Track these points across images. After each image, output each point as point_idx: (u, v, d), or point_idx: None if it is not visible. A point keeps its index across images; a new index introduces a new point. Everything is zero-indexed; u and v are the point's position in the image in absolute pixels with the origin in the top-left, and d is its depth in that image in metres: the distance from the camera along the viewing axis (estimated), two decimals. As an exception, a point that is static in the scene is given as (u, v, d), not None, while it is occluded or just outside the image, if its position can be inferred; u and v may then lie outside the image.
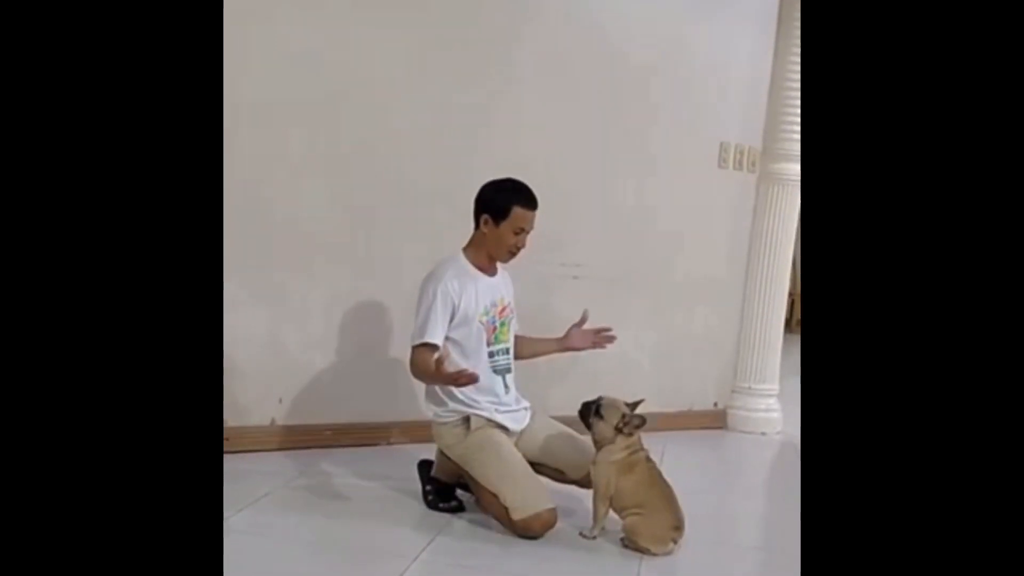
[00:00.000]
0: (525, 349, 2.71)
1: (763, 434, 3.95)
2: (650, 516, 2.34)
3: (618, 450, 2.37)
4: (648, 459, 2.41)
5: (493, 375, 2.54)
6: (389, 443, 3.21)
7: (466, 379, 2.27)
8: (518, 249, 2.52)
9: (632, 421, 2.38)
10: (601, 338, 2.70)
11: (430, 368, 2.33)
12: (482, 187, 2.53)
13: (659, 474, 2.41)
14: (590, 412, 2.40)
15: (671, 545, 2.34)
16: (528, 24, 3.36)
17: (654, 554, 2.32)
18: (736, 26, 3.76)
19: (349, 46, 3.04)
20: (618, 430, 2.37)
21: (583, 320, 2.70)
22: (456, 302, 2.46)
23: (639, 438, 2.41)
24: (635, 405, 2.43)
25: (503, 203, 2.47)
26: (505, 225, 2.47)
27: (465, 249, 2.56)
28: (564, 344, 2.72)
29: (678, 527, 2.35)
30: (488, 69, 3.29)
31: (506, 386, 2.58)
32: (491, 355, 2.54)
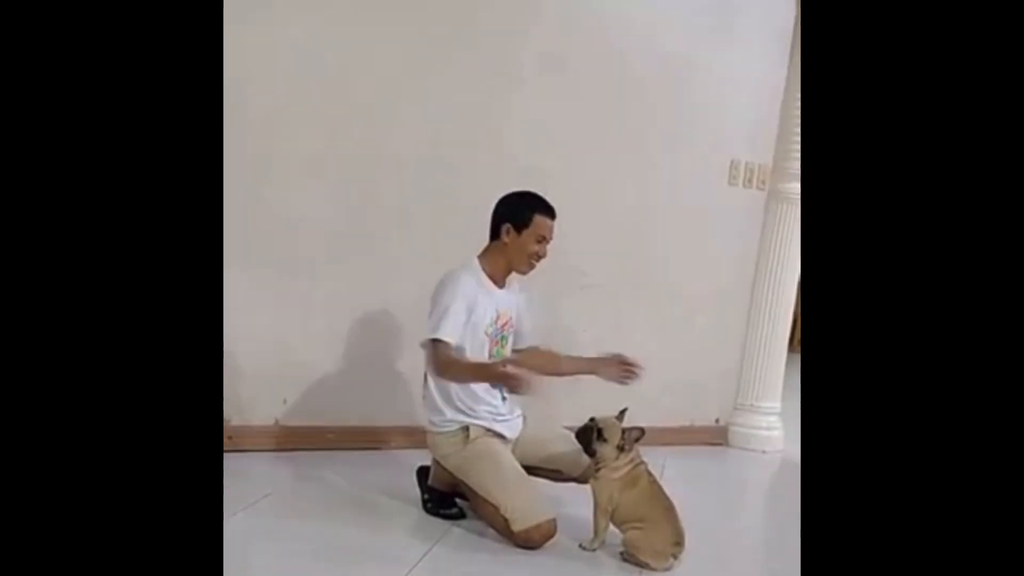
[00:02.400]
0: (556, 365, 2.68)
1: (764, 452, 3.94)
2: (651, 530, 2.34)
3: (621, 466, 2.37)
4: (649, 473, 2.42)
5: (491, 387, 2.54)
6: (391, 447, 3.21)
7: (517, 383, 2.30)
8: (539, 258, 2.54)
9: (631, 435, 2.38)
10: (628, 371, 2.60)
11: (469, 366, 2.39)
12: (501, 199, 2.55)
13: (660, 488, 2.41)
14: (591, 437, 2.38)
15: (671, 560, 2.34)
16: (540, 37, 3.37)
17: (653, 569, 2.32)
18: (749, 44, 3.77)
19: (353, 47, 3.05)
20: (619, 448, 2.37)
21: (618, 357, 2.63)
22: (472, 306, 2.46)
23: (638, 451, 2.41)
24: (621, 416, 2.43)
25: (525, 212, 2.50)
26: (527, 233, 2.50)
27: (480, 258, 2.57)
28: (593, 366, 2.66)
29: (678, 542, 2.35)
30: (497, 80, 3.30)
31: (503, 396, 2.58)
32: None
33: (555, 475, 2.60)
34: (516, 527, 2.35)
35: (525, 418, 2.66)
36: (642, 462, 2.41)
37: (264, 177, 2.93)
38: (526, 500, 2.38)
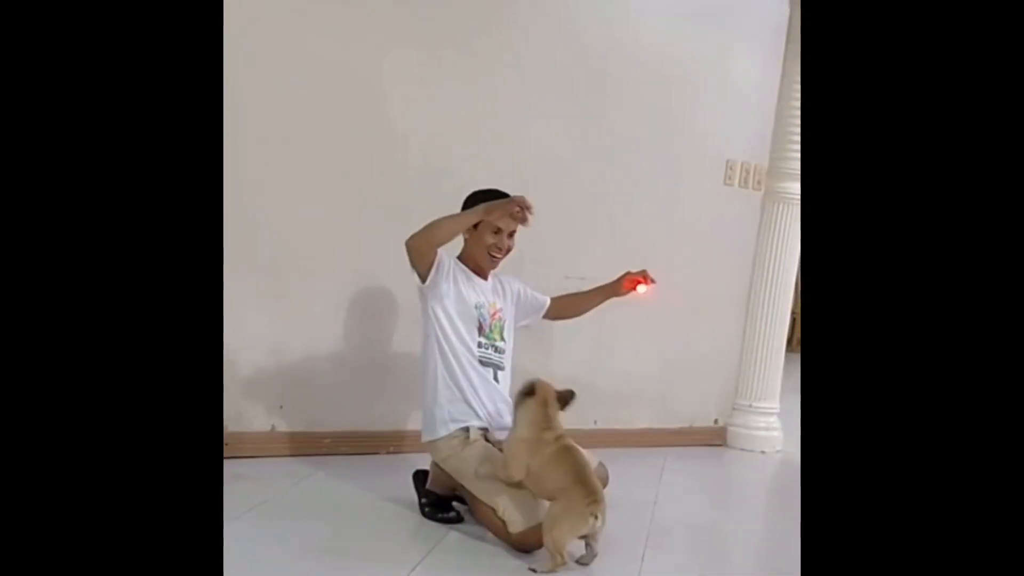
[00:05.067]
0: (574, 307, 2.83)
1: (763, 452, 3.94)
2: (563, 499, 2.20)
3: (527, 427, 2.30)
4: (560, 439, 2.29)
5: (481, 366, 2.56)
6: (388, 452, 3.21)
7: (520, 200, 2.36)
8: (499, 251, 2.58)
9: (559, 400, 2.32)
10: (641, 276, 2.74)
11: (454, 215, 2.46)
12: (467, 198, 2.60)
13: (569, 450, 2.28)
14: (521, 393, 2.34)
15: (592, 521, 2.17)
16: (536, 39, 3.37)
17: (576, 539, 2.22)
18: (744, 44, 3.78)
19: (359, 55, 3.06)
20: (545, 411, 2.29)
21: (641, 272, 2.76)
22: (458, 282, 2.53)
23: (558, 422, 2.31)
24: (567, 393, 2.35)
25: (476, 205, 2.52)
26: (482, 227, 2.54)
27: (458, 258, 2.63)
28: (615, 289, 2.77)
29: (595, 499, 2.18)
30: (497, 86, 3.31)
31: (496, 380, 2.60)
32: (480, 344, 2.57)
33: None
34: (512, 529, 2.33)
35: None
36: (553, 429, 2.31)
37: (263, 182, 2.92)
38: (523, 502, 2.36)
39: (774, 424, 4.01)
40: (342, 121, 3.06)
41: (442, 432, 2.51)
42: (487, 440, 2.51)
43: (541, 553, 2.27)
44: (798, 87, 3.74)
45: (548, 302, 2.81)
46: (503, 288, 2.70)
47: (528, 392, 2.35)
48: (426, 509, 2.59)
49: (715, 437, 3.98)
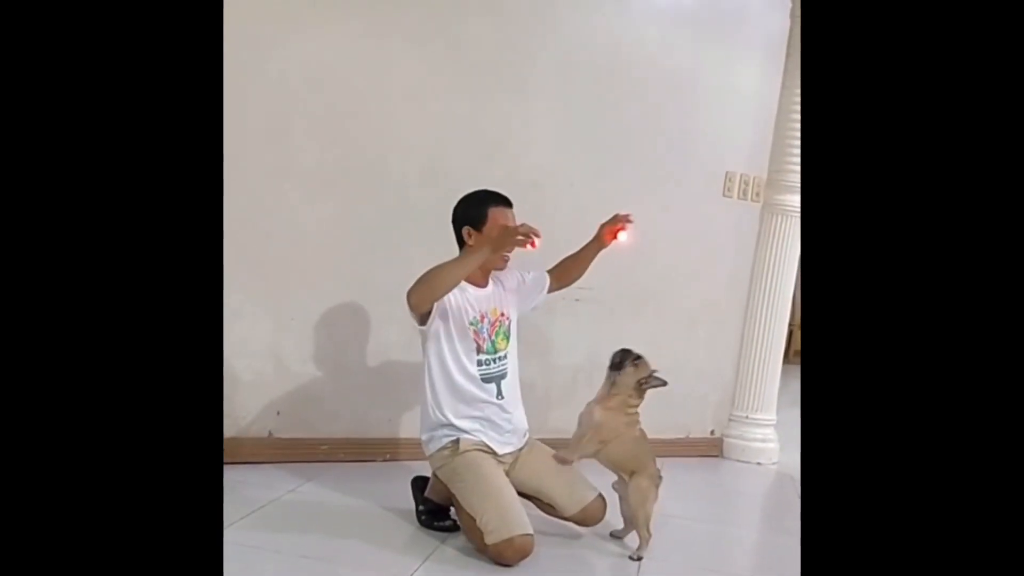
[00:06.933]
0: (570, 271, 2.78)
1: (759, 464, 3.94)
2: (644, 474, 2.49)
3: (632, 408, 2.51)
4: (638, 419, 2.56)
5: (483, 383, 2.52)
6: (385, 459, 3.20)
7: (526, 229, 2.30)
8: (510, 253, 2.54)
9: (653, 382, 2.50)
10: (622, 219, 2.70)
11: (454, 260, 2.42)
12: (454, 207, 2.56)
13: (644, 432, 2.56)
14: (627, 358, 2.51)
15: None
16: (536, 48, 3.38)
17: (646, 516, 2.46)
18: (744, 56, 3.79)
19: (361, 63, 3.07)
20: (640, 384, 2.49)
21: (613, 219, 2.70)
22: (446, 305, 2.46)
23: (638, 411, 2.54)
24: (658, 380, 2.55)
25: (479, 208, 2.50)
26: (487, 228, 2.48)
27: None
28: (600, 243, 2.72)
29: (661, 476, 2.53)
30: (498, 93, 3.32)
31: (500, 393, 2.55)
32: (480, 363, 2.52)
33: (549, 509, 2.58)
34: (489, 540, 2.30)
35: (533, 443, 2.64)
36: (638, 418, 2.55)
37: (261, 189, 2.93)
38: (503, 513, 2.32)
39: (770, 436, 4.01)
40: (342, 127, 3.07)
41: (435, 447, 2.50)
42: (483, 451, 2.50)
43: (547, 566, 2.25)
44: (798, 99, 3.75)
45: (548, 278, 2.74)
46: (503, 286, 2.64)
47: (635, 361, 2.51)
48: (423, 516, 2.58)
49: (711, 448, 3.98)
